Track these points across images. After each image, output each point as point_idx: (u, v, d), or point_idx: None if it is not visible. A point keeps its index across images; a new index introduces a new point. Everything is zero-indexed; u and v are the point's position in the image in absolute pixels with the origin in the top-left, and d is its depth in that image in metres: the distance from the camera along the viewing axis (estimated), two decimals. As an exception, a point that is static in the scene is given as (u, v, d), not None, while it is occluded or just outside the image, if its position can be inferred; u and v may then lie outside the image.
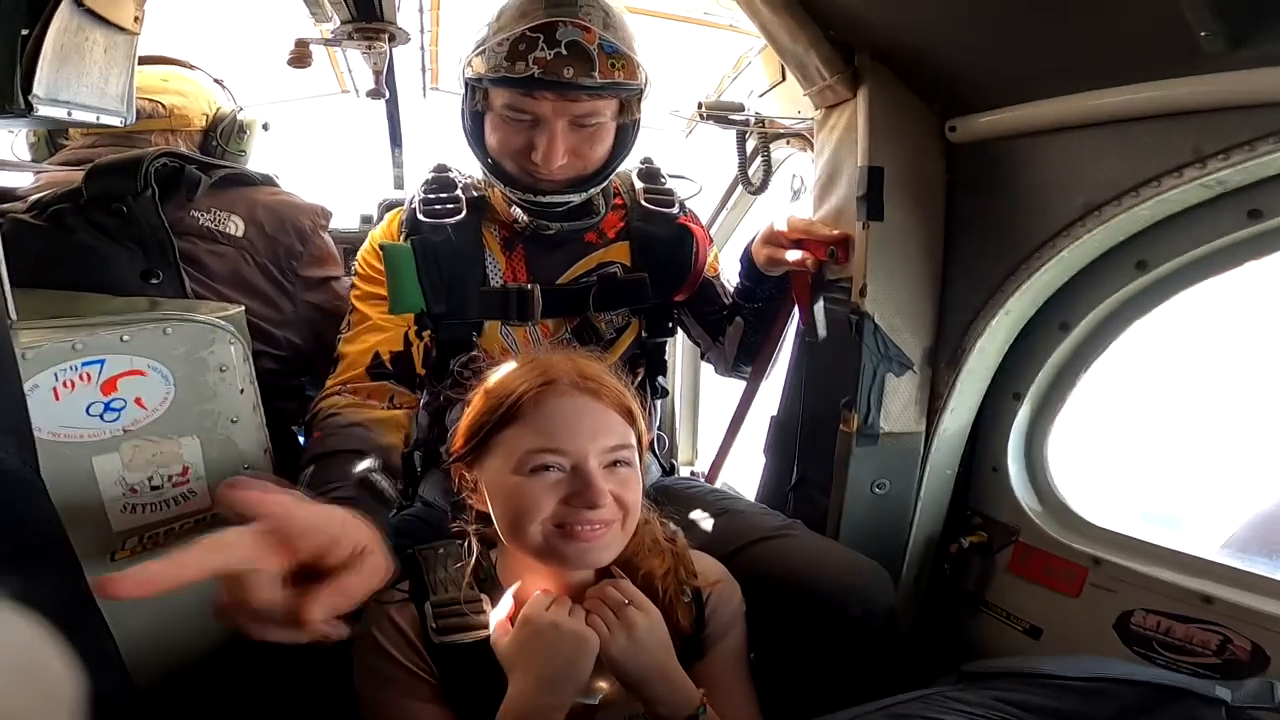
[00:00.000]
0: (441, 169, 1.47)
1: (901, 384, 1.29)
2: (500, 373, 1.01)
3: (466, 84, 1.30)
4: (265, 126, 1.74)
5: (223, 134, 1.64)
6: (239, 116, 1.68)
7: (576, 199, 1.36)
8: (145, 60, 1.57)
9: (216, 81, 1.69)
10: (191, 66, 1.66)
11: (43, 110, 1.04)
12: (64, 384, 0.93)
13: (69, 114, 1.10)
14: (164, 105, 1.56)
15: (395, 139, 2.23)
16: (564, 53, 1.18)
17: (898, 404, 1.30)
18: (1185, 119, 0.95)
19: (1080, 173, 1.09)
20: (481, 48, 1.23)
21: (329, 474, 1.07)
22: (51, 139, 1.55)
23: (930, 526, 1.39)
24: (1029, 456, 1.32)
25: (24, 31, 0.99)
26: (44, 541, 0.72)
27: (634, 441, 0.98)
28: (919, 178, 1.27)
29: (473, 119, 1.33)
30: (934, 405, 1.31)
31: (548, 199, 1.32)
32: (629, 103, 1.31)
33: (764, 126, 1.62)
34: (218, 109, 1.65)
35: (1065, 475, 1.31)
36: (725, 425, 1.83)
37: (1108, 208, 1.05)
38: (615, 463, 0.94)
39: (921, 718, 0.81)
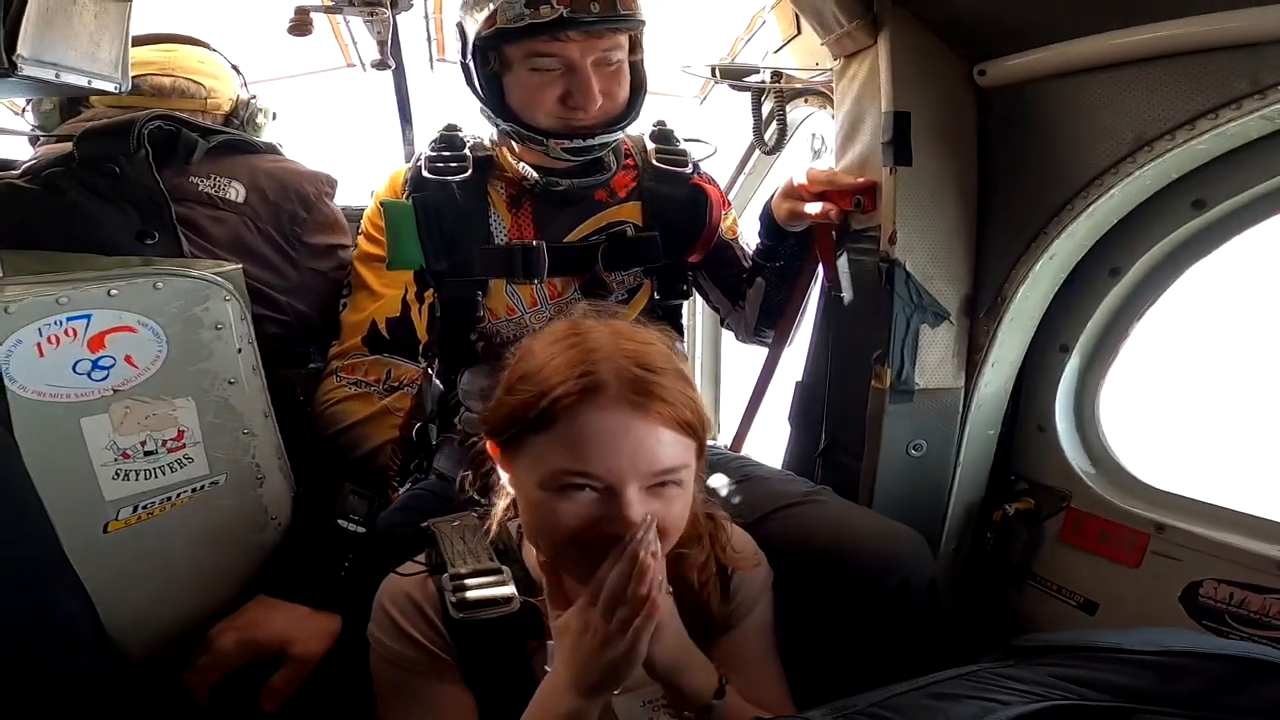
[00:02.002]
0: (450, 128, 1.44)
1: (937, 335, 1.21)
2: (539, 349, 0.87)
3: (475, 49, 1.24)
4: (274, 115, 1.73)
5: (246, 120, 1.63)
6: (258, 104, 1.67)
7: (618, 135, 1.33)
8: (173, 39, 1.58)
9: (233, 67, 1.67)
10: (213, 50, 1.65)
11: (28, 70, 1.01)
12: (49, 339, 0.89)
13: (56, 76, 1.07)
14: (205, 86, 1.56)
15: (405, 115, 2.20)
16: None
17: (934, 357, 1.22)
18: (1241, 50, 0.90)
19: (1127, 110, 1.02)
20: (490, 6, 1.18)
21: (312, 512, 1.16)
22: (71, 108, 1.53)
23: (971, 493, 1.31)
24: (1079, 414, 1.23)
25: None
26: (11, 503, 0.66)
27: (691, 457, 0.84)
28: (948, 122, 1.21)
29: (488, 84, 1.27)
30: (973, 359, 1.23)
31: (593, 141, 1.27)
32: (637, 38, 1.30)
33: (780, 83, 1.55)
34: (238, 95, 1.65)
35: (1120, 434, 1.21)
36: (748, 395, 1.75)
37: (1160, 142, 0.99)
38: (663, 484, 0.81)
39: (969, 697, 0.72)
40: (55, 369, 0.90)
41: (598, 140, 1.28)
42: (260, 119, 1.68)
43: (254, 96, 1.69)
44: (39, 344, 0.88)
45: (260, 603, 1.07)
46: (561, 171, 1.33)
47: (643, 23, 1.25)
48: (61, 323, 0.89)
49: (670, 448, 0.80)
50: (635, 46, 1.30)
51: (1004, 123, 1.20)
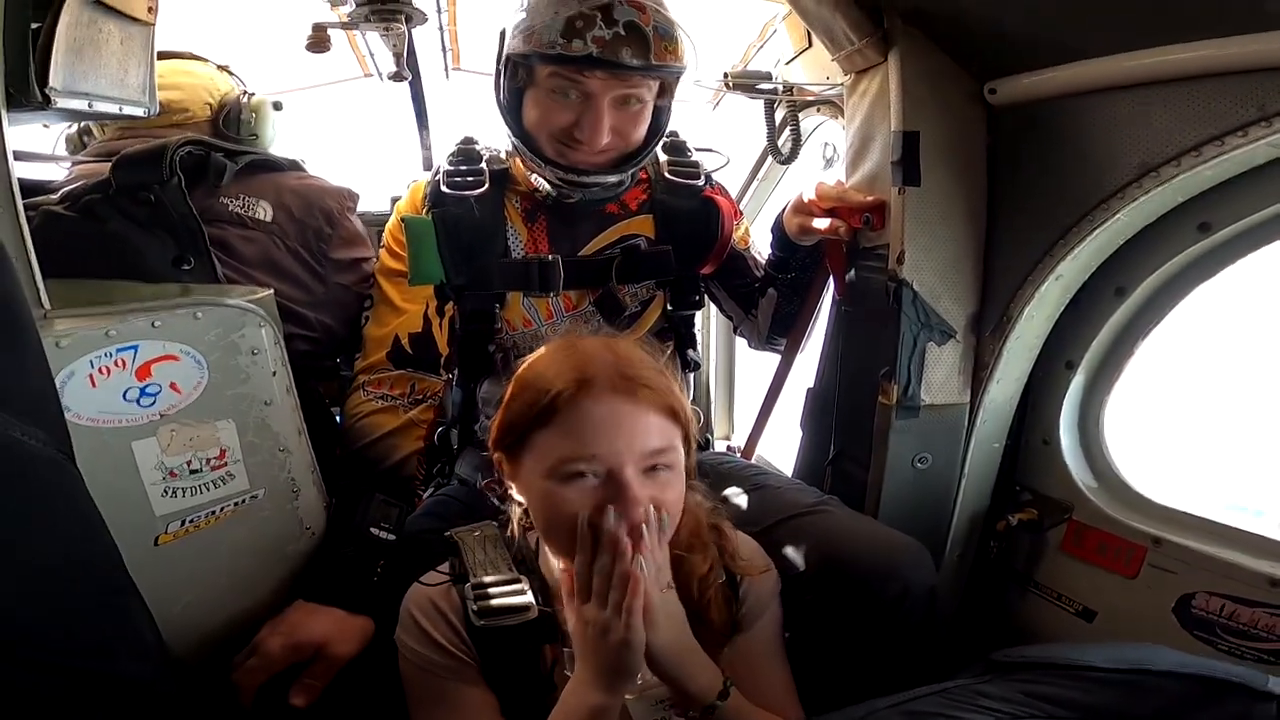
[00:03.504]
0: (468, 141, 1.47)
1: (944, 353, 1.24)
2: (538, 361, 0.96)
3: (508, 60, 1.28)
4: (277, 106, 1.72)
5: (227, 120, 1.61)
6: (244, 100, 1.65)
7: (614, 179, 1.36)
8: None
9: (221, 68, 1.66)
10: (195, 58, 1.64)
11: (61, 103, 1.04)
12: (99, 370, 0.94)
13: (90, 105, 1.11)
14: (160, 102, 1.54)
15: (422, 121, 2.22)
16: (622, 33, 1.17)
17: (940, 374, 1.24)
18: (1248, 77, 0.90)
19: (1134, 133, 1.03)
20: (529, 23, 1.20)
21: (344, 521, 1.22)
22: (82, 137, 1.57)
23: (975, 503, 1.34)
24: (1083, 429, 1.26)
25: (34, 25, 0.99)
26: (81, 527, 0.72)
27: (678, 441, 0.92)
28: (957, 141, 1.22)
29: (510, 95, 1.31)
30: (979, 375, 1.25)
31: (589, 179, 1.32)
32: (669, 84, 1.32)
33: (792, 95, 1.56)
34: (222, 95, 1.62)
35: (1122, 449, 1.24)
36: (761, 399, 1.79)
37: (1166, 168, 1.00)
38: (655, 467, 0.88)
39: (941, 714, 0.76)
40: (107, 397, 0.95)
41: (591, 180, 1.31)
42: (256, 115, 1.65)
43: (247, 93, 1.66)
44: (90, 375, 0.94)
45: (300, 607, 1.13)
46: (579, 187, 1.35)
47: (677, 72, 1.26)
48: (111, 354, 0.95)
49: (659, 429, 0.89)
50: (665, 92, 1.33)
51: (1013, 142, 1.20)
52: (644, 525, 0.84)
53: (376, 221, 1.56)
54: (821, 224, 1.29)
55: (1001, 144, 1.23)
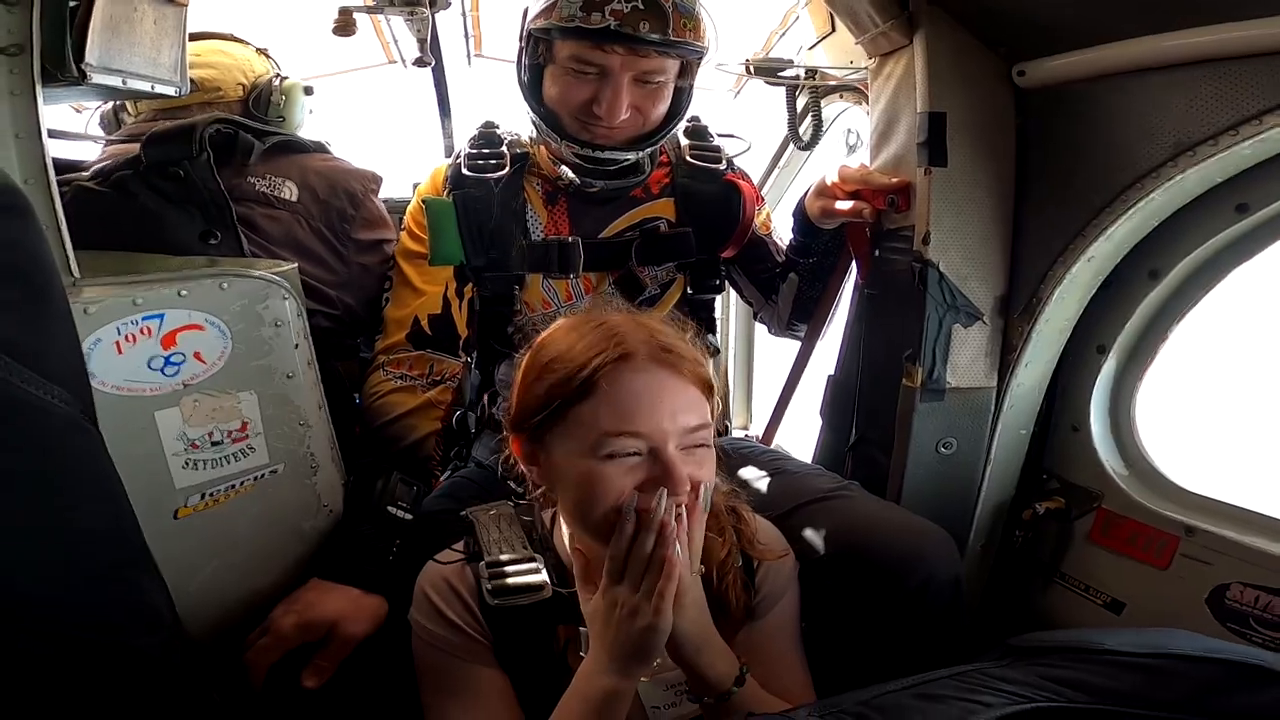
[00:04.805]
0: (489, 125, 1.48)
1: (970, 335, 1.21)
2: (561, 337, 0.92)
3: (529, 35, 1.29)
4: (308, 90, 1.74)
5: (257, 101, 1.63)
6: (276, 83, 1.67)
7: (631, 157, 1.36)
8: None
9: (260, 51, 1.69)
10: (234, 39, 1.67)
11: (96, 79, 1.06)
12: (126, 338, 0.95)
13: (123, 82, 1.13)
14: (193, 79, 1.55)
15: (444, 108, 2.24)
16: (640, 7, 1.17)
17: (965, 357, 1.22)
18: None
19: (1170, 114, 1.01)
20: None
21: (362, 499, 1.22)
22: (118, 114, 1.60)
23: (1001, 490, 1.31)
24: (1114, 415, 1.22)
25: (71, 3, 1.01)
26: (100, 493, 0.72)
27: (709, 417, 0.90)
28: (985, 123, 1.20)
29: (531, 72, 1.32)
30: (1007, 358, 1.23)
31: (605, 154, 1.31)
32: (690, 65, 1.31)
33: (814, 79, 1.55)
34: (256, 77, 1.65)
35: (1154, 436, 1.20)
36: (780, 386, 1.77)
37: (1203, 147, 0.98)
38: (693, 444, 0.86)
39: (953, 698, 0.72)
40: (132, 365, 0.97)
41: (609, 155, 1.31)
42: (286, 98, 1.67)
43: (280, 76, 1.69)
44: (117, 342, 0.95)
45: (315, 586, 1.13)
46: (594, 173, 1.36)
47: (699, 51, 1.26)
48: (137, 322, 0.96)
49: (699, 403, 0.88)
50: (685, 72, 1.32)
51: (1042, 123, 1.18)
52: (687, 507, 0.83)
53: (398, 208, 1.57)
54: (845, 206, 1.28)
55: (1030, 125, 1.20)
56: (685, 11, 1.21)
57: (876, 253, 1.33)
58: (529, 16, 1.27)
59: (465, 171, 1.38)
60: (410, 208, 1.44)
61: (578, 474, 0.86)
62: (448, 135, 2.33)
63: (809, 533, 1.13)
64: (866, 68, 1.35)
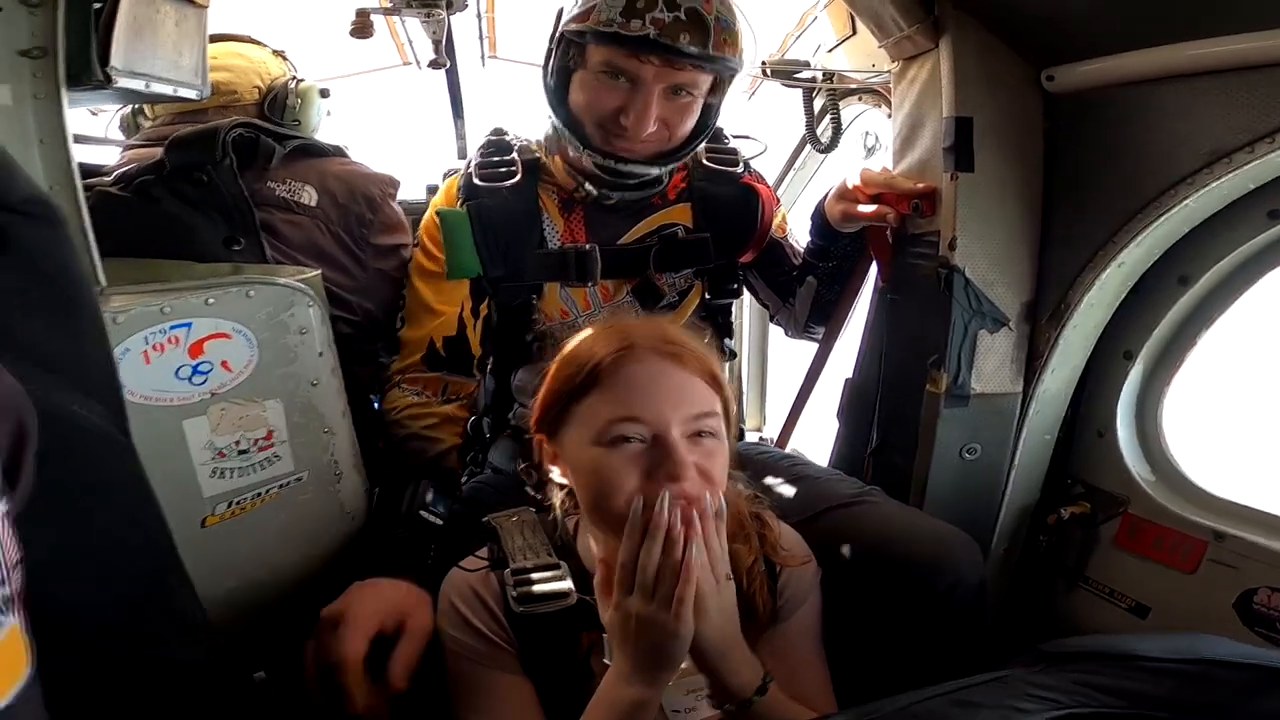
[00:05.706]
0: (498, 133, 1.46)
1: (996, 341, 1.21)
2: (578, 341, 0.96)
3: (562, 37, 1.26)
4: (324, 93, 1.72)
5: (273, 104, 1.61)
6: (291, 85, 1.65)
7: (653, 173, 1.34)
8: None
9: (277, 54, 1.67)
10: (251, 41, 1.66)
11: (121, 82, 1.05)
12: (154, 347, 0.95)
13: (147, 86, 1.12)
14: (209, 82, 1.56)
15: (457, 110, 2.23)
16: (682, 18, 1.15)
17: (991, 363, 1.22)
18: None
19: (1203, 120, 1.01)
20: (589, 2, 1.18)
21: (391, 507, 1.21)
22: (136, 118, 1.59)
23: (1025, 495, 1.31)
24: (1140, 420, 1.22)
25: (96, 5, 1.00)
26: (136, 506, 0.71)
27: (719, 409, 0.90)
28: (1012, 128, 1.19)
29: (559, 75, 1.29)
30: (1033, 364, 1.23)
31: (626, 168, 1.29)
32: (722, 81, 1.29)
33: (833, 82, 1.54)
34: (272, 80, 1.63)
35: (1181, 441, 1.20)
36: (795, 390, 1.77)
37: (1239, 154, 0.98)
38: (699, 433, 0.87)
39: (991, 706, 0.72)
40: (160, 375, 0.96)
41: (630, 169, 1.29)
42: (302, 101, 1.65)
43: (296, 79, 1.67)
44: (145, 351, 0.94)
45: (366, 583, 1.06)
46: (612, 185, 1.34)
47: (733, 68, 1.24)
48: (165, 331, 0.95)
49: (703, 393, 0.89)
50: (717, 88, 1.30)
51: (1071, 128, 1.18)
52: (696, 511, 0.81)
53: (412, 210, 1.56)
54: (867, 210, 1.27)
55: (1059, 130, 1.20)
56: (726, 25, 1.18)
57: (898, 257, 1.32)
58: (564, 18, 1.24)
59: (477, 181, 1.35)
60: (424, 225, 1.41)
61: (587, 464, 0.88)
62: (460, 137, 2.32)
63: (834, 538, 1.12)
64: (889, 71, 1.34)
